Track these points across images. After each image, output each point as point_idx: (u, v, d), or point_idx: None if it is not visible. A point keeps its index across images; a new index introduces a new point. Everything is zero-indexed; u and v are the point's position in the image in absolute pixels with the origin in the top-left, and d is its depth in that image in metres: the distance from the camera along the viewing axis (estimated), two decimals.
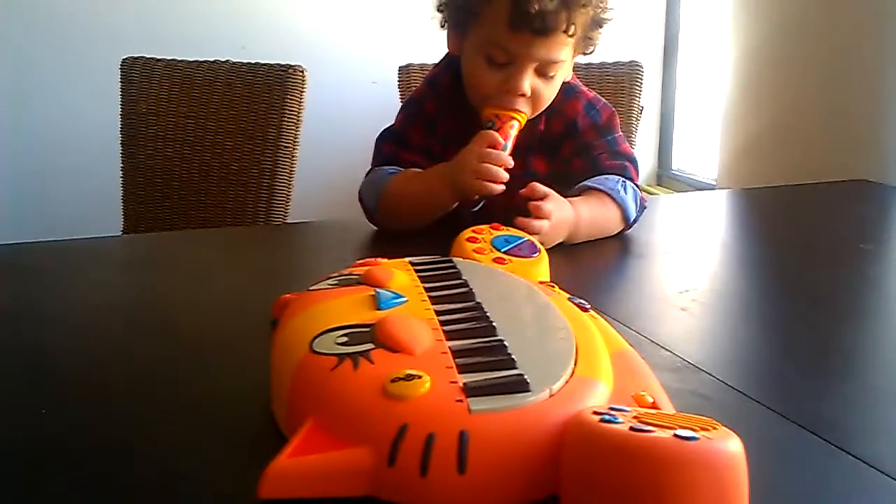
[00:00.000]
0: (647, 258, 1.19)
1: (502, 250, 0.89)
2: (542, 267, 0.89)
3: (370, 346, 0.57)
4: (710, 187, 3.11)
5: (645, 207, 1.27)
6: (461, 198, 1.20)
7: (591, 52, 1.27)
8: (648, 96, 2.76)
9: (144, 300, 1.03)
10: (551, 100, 1.25)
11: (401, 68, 1.92)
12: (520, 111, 1.21)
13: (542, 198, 1.13)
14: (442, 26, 1.28)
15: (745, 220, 1.56)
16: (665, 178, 3.51)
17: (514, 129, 1.20)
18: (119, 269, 1.18)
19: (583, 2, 1.16)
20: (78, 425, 0.65)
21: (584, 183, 1.22)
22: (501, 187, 1.16)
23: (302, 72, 1.87)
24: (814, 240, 1.28)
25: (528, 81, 1.19)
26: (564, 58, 1.20)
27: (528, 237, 0.94)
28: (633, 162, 1.30)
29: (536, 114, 1.24)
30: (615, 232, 1.23)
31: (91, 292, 1.03)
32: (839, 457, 0.60)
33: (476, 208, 1.20)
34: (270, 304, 0.74)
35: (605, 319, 0.70)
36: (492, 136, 1.17)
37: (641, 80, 1.98)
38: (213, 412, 0.67)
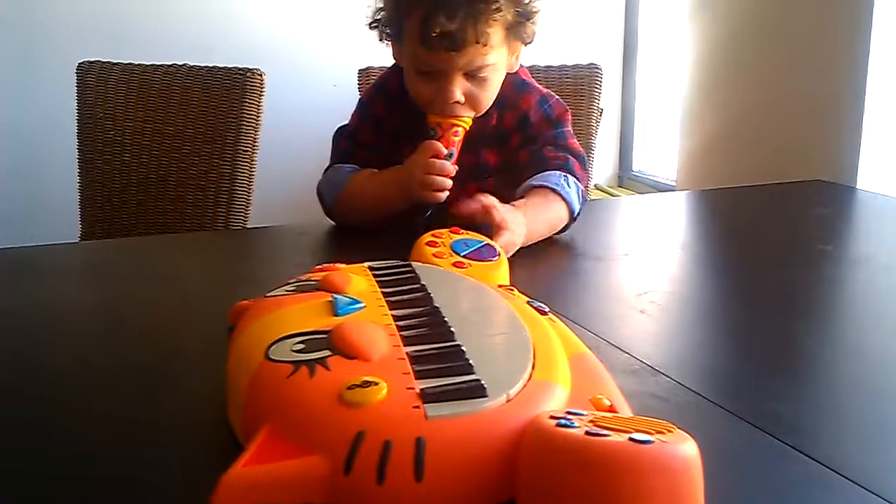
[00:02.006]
0: (606, 260, 1.20)
1: (462, 254, 0.89)
2: (501, 270, 0.89)
3: (327, 352, 0.57)
4: (671, 188, 3.14)
5: (586, 199, 1.27)
6: (411, 205, 1.23)
7: (530, 42, 1.28)
8: (608, 99, 2.78)
9: (102, 307, 1.01)
10: (493, 98, 1.27)
11: (360, 71, 1.92)
12: (461, 117, 1.24)
13: (491, 209, 1.10)
14: (381, 40, 1.31)
15: (704, 221, 1.57)
16: (626, 179, 3.54)
17: (457, 135, 1.23)
18: (77, 276, 1.17)
19: (490, 12, 1.17)
20: (35, 431, 0.64)
21: (529, 182, 1.23)
22: (445, 194, 1.20)
23: (261, 75, 1.85)
24: (771, 241, 1.29)
25: (459, 88, 1.22)
26: (493, 60, 1.22)
27: (487, 241, 0.94)
28: (579, 157, 1.30)
29: (481, 112, 1.26)
30: (563, 226, 1.23)
31: (49, 300, 1.01)
32: (795, 459, 0.60)
33: (427, 214, 1.22)
34: (229, 309, 0.73)
35: (564, 322, 0.70)
36: (434, 146, 1.21)
37: (601, 82, 1.99)
38: (170, 419, 0.67)
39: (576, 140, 1.34)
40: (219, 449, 0.58)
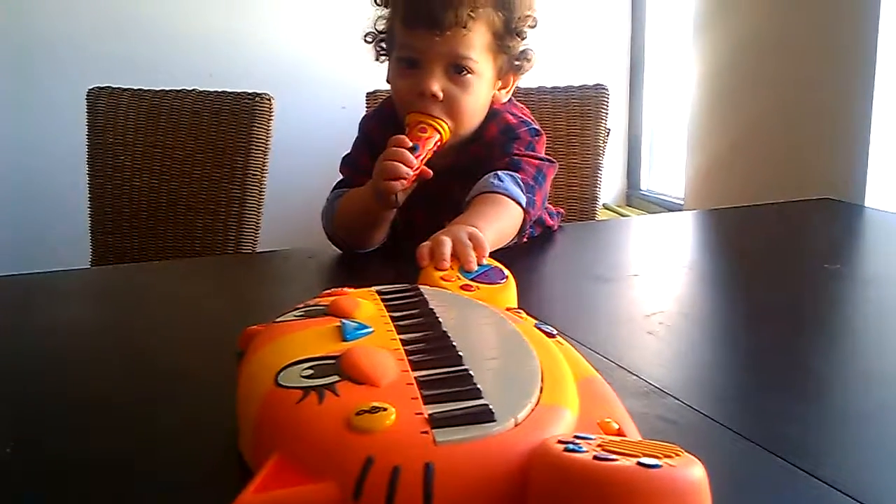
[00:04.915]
0: (615, 282, 1.20)
1: (469, 277, 0.89)
2: (509, 293, 0.89)
3: (335, 378, 0.57)
4: (679, 206, 3.14)
5: (532, 186, 1.25)
6: (380, 200, 1.21)
7: (519, 66, 1.28)
8: (615, 118, 2.78)
9: (112, 332, 1.02)
10: (475, 113, 1.27)
11: (368, 94, 1.93)
12: (434, 117, 1.23)
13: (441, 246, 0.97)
14: (377, 59, 1.32)
15: (712, 241, 1.57)
16: (634, 198, 3.54)
17: (424, 132, 1.22)
18: (88, 302, 1.17)
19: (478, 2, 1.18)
20: (45, 462, 0.65)
21: (467, 199, 1.22)
22: (401, 183, 1.17)
23: (269, 100, 1.87)
24: (780, 260, 1.29)
25: (437, 82, 1.21)
26: (476, 58, 1.22)
27: (495, 264, 0.94)
28: (539, 159, 1.29)
29: (460, 126, 1.25)
30: (521, 219, 1.22)
31: (60, 325, 1.02)
32: (806, 481, 0.60)
33: (396, 206, 1.22)
34: (239, 334, 0.73)
35: (572, 345, 0.70)
36: (397, 138, 1.20)
37: (607, 102, 1.99)
38: (180, 445, 0.67)
39: (534, 153, 1.31)
40: (229, 475, 0.58)
